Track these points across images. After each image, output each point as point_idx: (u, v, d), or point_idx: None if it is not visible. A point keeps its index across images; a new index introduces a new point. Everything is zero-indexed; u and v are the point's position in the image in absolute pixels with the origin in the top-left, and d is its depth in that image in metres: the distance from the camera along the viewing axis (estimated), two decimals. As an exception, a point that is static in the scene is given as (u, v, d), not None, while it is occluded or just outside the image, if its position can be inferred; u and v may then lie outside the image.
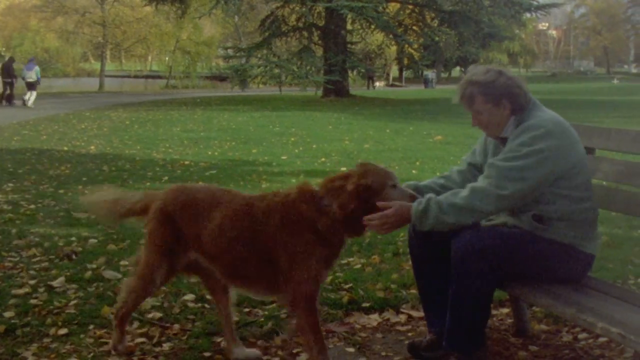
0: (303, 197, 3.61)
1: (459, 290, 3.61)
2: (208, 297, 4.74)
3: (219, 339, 4.26)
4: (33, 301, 4.88)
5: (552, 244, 3.63)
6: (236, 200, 3.76)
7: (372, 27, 37.82)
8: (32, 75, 31.86)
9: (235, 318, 4.25)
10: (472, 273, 3.54)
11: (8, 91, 32.47)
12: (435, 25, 40.34)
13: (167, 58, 66.04)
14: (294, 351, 4.15)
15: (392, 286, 5.21)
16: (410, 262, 4.42)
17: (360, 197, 3.50)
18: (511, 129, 3.70)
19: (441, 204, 3.53)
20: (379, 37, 43.27)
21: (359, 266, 5.81)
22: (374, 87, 58.57)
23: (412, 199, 3.60)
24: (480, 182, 3.58)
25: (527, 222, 3.66)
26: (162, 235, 3.82)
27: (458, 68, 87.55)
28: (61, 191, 9.43)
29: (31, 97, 30.94)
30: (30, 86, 31.49)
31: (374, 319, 4.67)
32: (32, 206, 8.33)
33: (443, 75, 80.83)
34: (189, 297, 5.00)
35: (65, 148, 14.89)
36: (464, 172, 4.06)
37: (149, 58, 71.90)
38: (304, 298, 3.56)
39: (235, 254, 3.68)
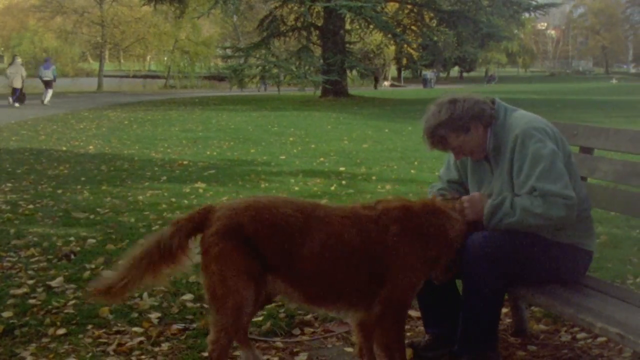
0: (428, 209, 3.58)
1: (471, 292, 3.62)
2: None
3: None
4: (31, 301, 4.88)
5: (556, 244, 3.64)
6: (335, 214, 3.47)
7: (371, 26, 37.79)
8: (49, 74, 33.22)
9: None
10: (483, 275, 3.54)
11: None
12: (434, 25, 40.33)
13: (165, 58, 66.00)
14: (294, 350, 4.16)
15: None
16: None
17: None
18: (491, 140, 3.71)
19: (515, 205, 3.54)
20: (377, 37, 43.20)
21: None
22: (380, 86, 58.76)
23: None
24: (542, 195, 3.51)
25: (549, 230, 3.66)
26: (244, 257, 3.32)
27: (457, 68, 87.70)
28: (60, 191, 9.42)
29: (47, 95, 32.28)
30: (47, 85, 32.88)
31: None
32: (31, 206, 8.32)
33: (442, 75, 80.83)
34: (188, 297, 5.00)
35: (64, 148, 14.89)
36: (446, 191, 4.03)
37: (148, 58, 71.82)
38: (401, 306, 3.52)
39: (337, 272, 3.42)
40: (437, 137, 3.71)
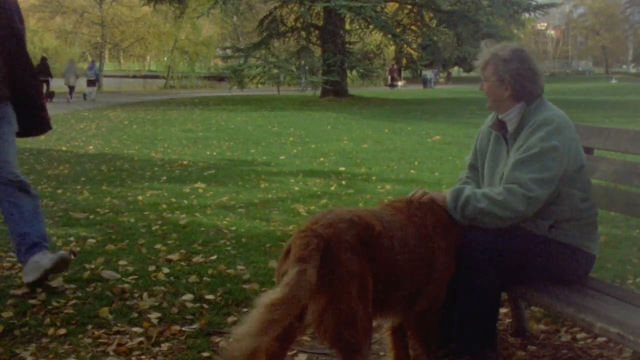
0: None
1: (466, 288, 3.61)
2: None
3: (217, 339, 4.26)
4: (31, 301, 4.87)
5: (559, 246, 3.65)
6: (398, 216, 3.39)
7: (371, 27, 37.79)
8: (92, 74, 39.75)
9: (234, 318, 4.25)
10: (479, 272, 3.54)
11: (45, 89, 33.31)
12: (434, 25, 40.34)
13: (165, 58, 66.01)
14: (294, 351, 4.15)
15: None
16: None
17: None
18: (515, 118, 3.78)
19: (475, 193, 3.62)
20: (377, 37, 43.19)
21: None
22: (395, 86, 58.82)
23: None
24: (506, 183, 3.62)
25: (541, 227, 3.67)
26: (364, 276, 3.03)
27: (456, 68, 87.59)
28: (59, 191, 9.42)
29: (92, 92, 37.85)
30: (91, 83, 38.88)
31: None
32: (31, 206, 8.31)
33: (442, 75, 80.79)
34: (188, 297, 5.00)
35: (64, 148, 14.89)
36: (471, 177, 4.13)
37: (148, 58, 71.93)
38: (441, 300, 3.56)
39: (415, 275, 3.36)
40: (487, 59, 3.84)
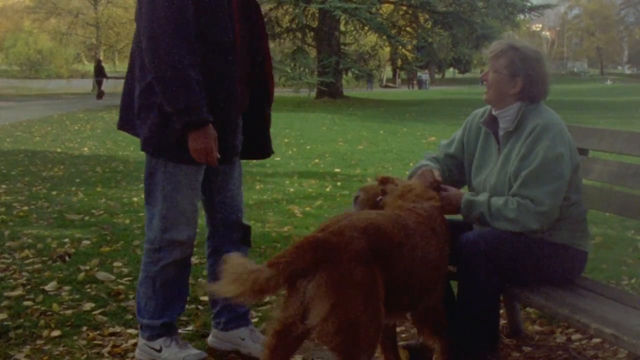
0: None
1: (466, 291, 3.59)
2: (202, 299, 4.71)
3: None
4: (26, 303, 4.86)
5: (552, 246, 3.62)
6: (422, 223, 3.33)
7: (366, 28, 37.83)
8: None
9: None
10: (478, 275, 3.50)
11: (98, 87, 41.07)
12: (429, 26, 40.40)
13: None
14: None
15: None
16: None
17: None
18: (511, 118, 3.68)
19: (490, 208, 3.58)
20: (372, 38, 43.26)
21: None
22: (417, 86, 59.15)
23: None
24: (519, 198, 3.54)
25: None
26: (372, 286, 2.96)
27: (452, 69, 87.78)
28: (54, 193, 9.41)
29: None
30: None
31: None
32: (25, 208, 8.31)
33: (437, 76, 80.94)
34: (183, 298, 4.98)
35: (59, 149, 14.86)
36: (439, 161, 4.04)
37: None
38: (443, 295, 3.56)
39: (430, 279, 3.35)
40: (502, 49, 3.70)
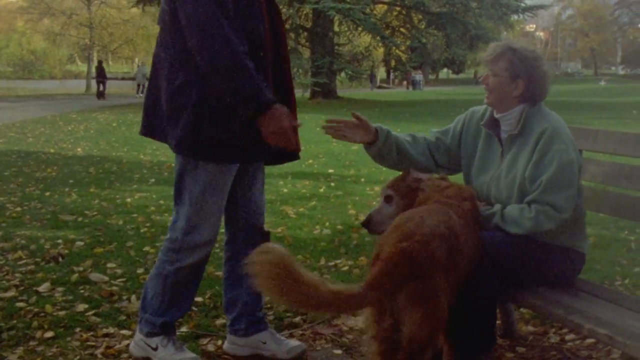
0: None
1: (465, 292, 3.56)
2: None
3: (204, 341, 4.25)
4: (19, 304, 4.85)
5: (551, 247, 3.62)
6: (462, 218, 3.39)
7: (359, 29, 37.86)
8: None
9: (223, 321, 4.23)
10: (478, 276, 3.49)
11: (101, 89, 42.64)
12: (423, 27, 40.45)
13: (154, 60, 65.87)
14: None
15: (380, 288, 5.19)
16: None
17: None
18: (514, 120, 3.67)
19: (505, 220, 3.58)
20: (366, 39, 43.31)
21: (346, 268, 5.80)
22: (411, 87, 59.32)
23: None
24: (538, 205, 3.51)
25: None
26: (449, 287, 3.16)
27: (445, 70, 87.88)
28: (47, 193, 9.39)
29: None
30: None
31: (362, 321, 4.65)
32: (18, 209, 8.29)
33: (431, 77, 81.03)
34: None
35: (52, 150, 14.83)
36: (430, 143, 4.03)
37: (136, 60, 71.73)
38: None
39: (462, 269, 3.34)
40: (500, 52, 3.67)
